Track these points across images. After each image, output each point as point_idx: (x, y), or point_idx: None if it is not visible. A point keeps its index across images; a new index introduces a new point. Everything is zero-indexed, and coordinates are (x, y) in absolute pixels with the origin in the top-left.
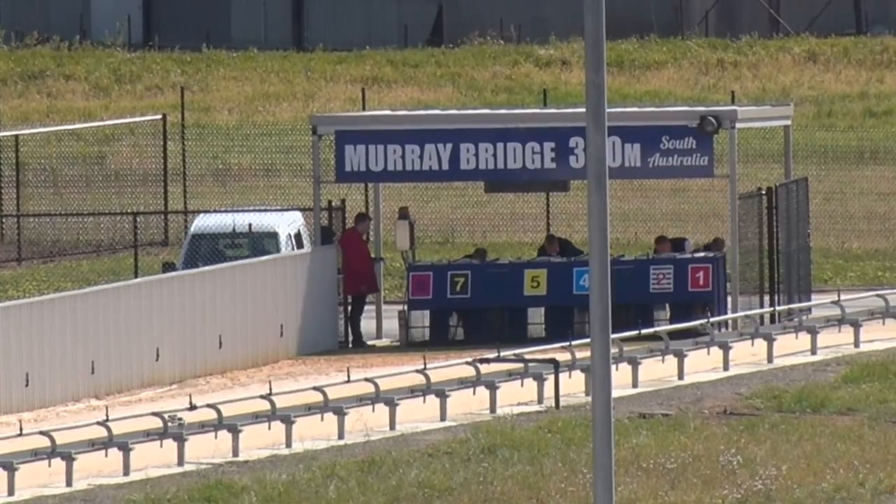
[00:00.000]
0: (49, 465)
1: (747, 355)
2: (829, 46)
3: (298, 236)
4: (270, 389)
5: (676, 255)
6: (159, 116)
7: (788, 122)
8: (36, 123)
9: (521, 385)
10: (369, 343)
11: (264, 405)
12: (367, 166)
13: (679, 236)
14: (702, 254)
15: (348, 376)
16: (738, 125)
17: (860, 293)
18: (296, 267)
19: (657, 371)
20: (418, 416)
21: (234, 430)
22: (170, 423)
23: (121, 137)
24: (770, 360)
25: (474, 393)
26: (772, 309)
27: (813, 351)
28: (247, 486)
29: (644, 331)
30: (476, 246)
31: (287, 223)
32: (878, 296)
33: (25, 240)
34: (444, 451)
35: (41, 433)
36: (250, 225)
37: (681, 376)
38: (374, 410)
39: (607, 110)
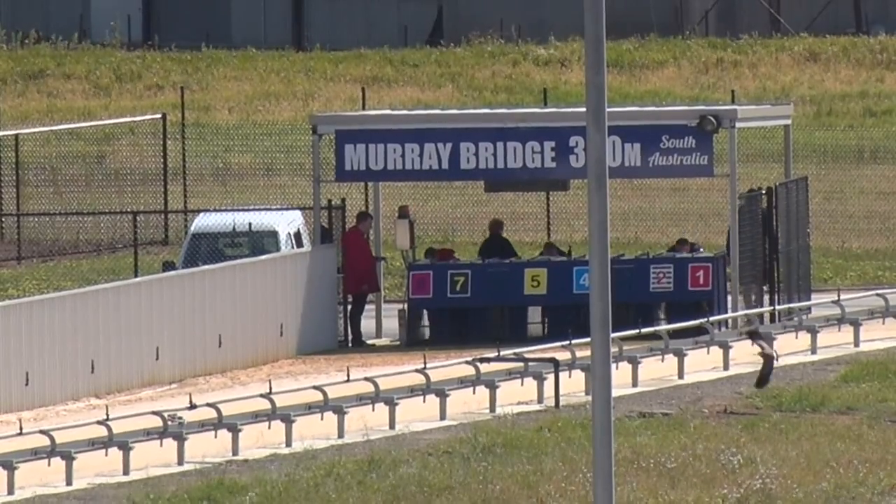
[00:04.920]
0: (49, 465)
1: (747, 355)
2: (829, 46)
3: (298, 235)
4: (270, 388)
5: (676, 254)
6: (159, 116)
7: (788, 122)
8: (36, 123)
9: (521, 384)
10: (369, 342)
11: (264, 404)
12: (367, 165)
13: (693, 242)
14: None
15: (348, 375)
16: (737, 124)
17: (860, 292)
18: (296, 266)
19: (657, 370)
20: (418, 415)
21: (234, 429)
22: (170, 422)
23: (121, 136)
24: None
25: (474, 392)
26: (772, 308)
27: (813, 350)
28: (247, 485)
29: (644, 330)
30: (475, 245)
31: (287, 222)
32: (877, 295)
33: (25, 239)
34: (444, 450)
35: (41, 432)
36: (250, 224)
37: (681, 375)
38: (373, 410)
39: (607, 110)
